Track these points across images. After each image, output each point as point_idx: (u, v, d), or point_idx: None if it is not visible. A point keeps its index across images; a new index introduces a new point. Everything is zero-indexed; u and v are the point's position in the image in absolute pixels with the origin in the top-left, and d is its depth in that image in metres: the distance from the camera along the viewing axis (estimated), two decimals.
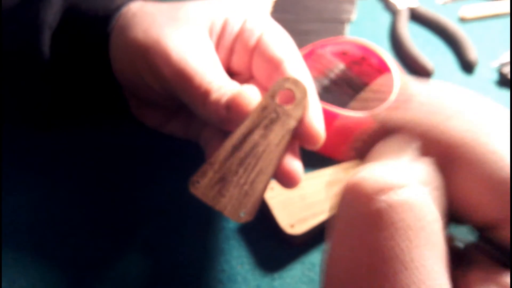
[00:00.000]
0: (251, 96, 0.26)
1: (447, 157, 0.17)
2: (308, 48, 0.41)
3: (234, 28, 0.30)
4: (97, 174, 0.36)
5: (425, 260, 0.15)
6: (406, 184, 0.16)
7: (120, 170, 0.37)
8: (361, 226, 0.16)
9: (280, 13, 0.50)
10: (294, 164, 0.27)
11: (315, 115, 0.27)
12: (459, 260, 0.17)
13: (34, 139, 0.38)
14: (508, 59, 0.45)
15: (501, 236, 0.17)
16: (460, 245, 0.18)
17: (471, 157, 0.17)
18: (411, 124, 0.19)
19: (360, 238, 0.16)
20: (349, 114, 0.36)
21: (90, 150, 0.38)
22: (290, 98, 0.26)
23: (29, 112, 0.36)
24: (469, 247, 0.18)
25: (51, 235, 0.33)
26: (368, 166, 0.18)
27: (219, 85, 0.27)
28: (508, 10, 0.51)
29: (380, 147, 0.19)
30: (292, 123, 0.26)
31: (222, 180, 0.26)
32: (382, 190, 0.16)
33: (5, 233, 0.33)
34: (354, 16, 0.50)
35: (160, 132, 0.35)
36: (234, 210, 0.25)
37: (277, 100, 0.26)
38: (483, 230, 0.17)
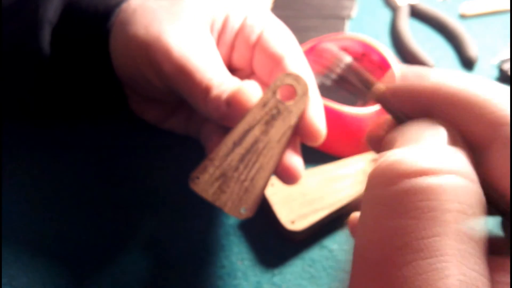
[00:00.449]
0: (251, 92, 0.26)
1: (486, 138, 0.16)
2: (308, 44, 0.41)
3: (235, 24, 0.30)
4: (96, 172, 0.36)
5: (460, 251, 0.14)
6: (447, 169, 0.15)
7: (119, 168, 0.36)
8: (390, 211, 0.15)
9: (281, 10, 0.50)
10: (295, 160, 0.27)
11: (316, 111, 0.27)
12: (501, 249, 0.16)
13: (34, 138, 0.38)
14: (508, 56, 0.45)
15: None
16: (502, 234, 0.17)
17: None
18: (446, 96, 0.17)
19: (389, 221, 0.15)
20: (350, 110, 0.36)
21: (90, 148, 0.37)
22: (291, 94, 0.26)
23: (27, 108, 0.35)
24: None
25: (51, 232, 0.33)
26: (400, 149, 0.16)
27: (220, 81, 0.27)
28: (508, 7, 0.51)
29: (403, 131, 0.18)
30: (293, 119, 0.26)
31: (223, 176, 0.25)
32: (419, 173, 0.15)
33: (5, 230, 0.33)
34: (354, 13, 0.50)
35: (160, 128, 0.35)
36: (235, 207, 0.25)
37: (278, 96, 0.26)
38: None
